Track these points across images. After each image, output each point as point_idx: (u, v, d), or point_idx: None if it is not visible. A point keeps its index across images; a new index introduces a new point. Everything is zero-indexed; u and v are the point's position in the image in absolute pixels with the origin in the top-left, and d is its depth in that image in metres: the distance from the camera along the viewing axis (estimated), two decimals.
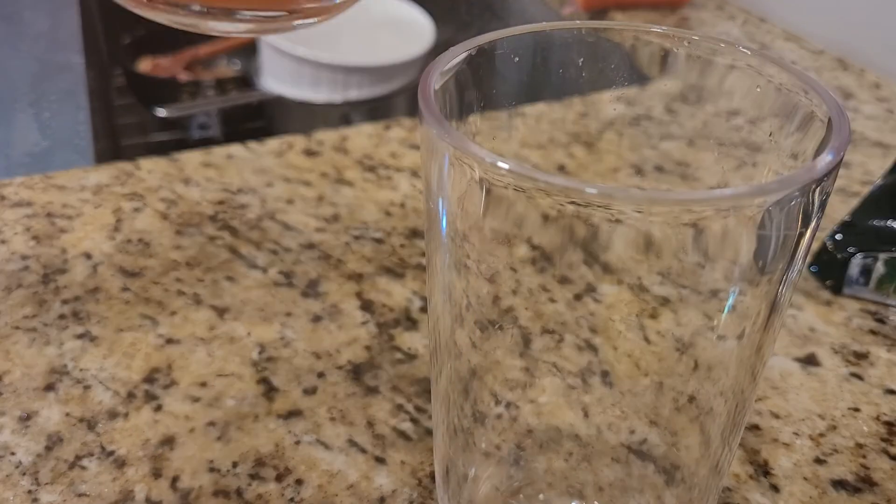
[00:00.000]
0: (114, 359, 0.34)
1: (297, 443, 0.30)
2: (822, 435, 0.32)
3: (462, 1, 0.93)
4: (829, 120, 0.18)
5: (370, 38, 0.78)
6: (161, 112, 0.72)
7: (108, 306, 0.36)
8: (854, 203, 0.42)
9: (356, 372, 0.33)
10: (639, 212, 0.16)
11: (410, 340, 0.35)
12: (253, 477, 0.29)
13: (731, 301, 0.19)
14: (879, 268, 0.38)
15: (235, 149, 0.48)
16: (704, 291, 0.20)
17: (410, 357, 0.34)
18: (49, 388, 0.32)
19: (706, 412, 0.23)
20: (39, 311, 0.36)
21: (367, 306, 0.37)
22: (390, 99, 0.74)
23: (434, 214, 0.19)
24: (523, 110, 0.24)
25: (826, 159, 0.17)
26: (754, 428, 0.32)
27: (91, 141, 0.53)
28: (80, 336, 0.35)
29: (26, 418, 0.31)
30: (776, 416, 0.32)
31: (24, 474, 0.29)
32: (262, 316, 0.36)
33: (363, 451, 0.30)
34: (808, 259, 0.38)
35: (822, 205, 0.17)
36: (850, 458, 0.31)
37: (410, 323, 0.36)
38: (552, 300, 0.24)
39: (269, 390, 0.33)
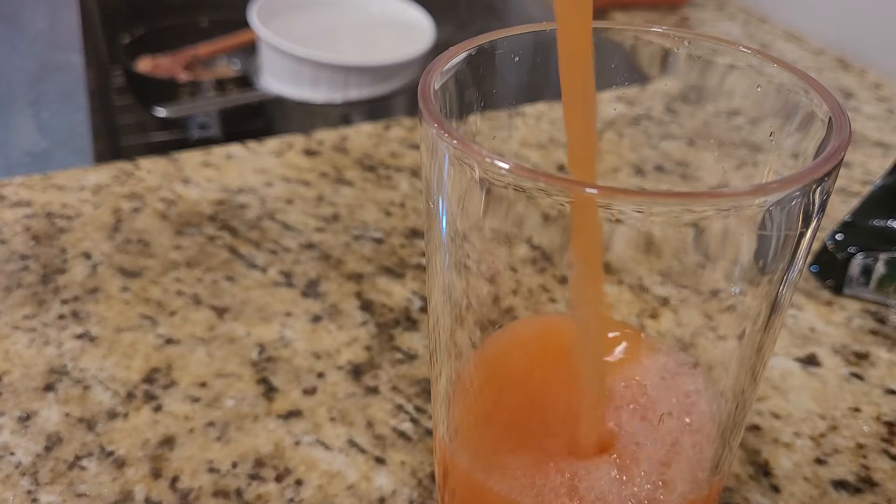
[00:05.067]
0: (113, 359, 0.34)
1: (297, 443, 0.30)
2: (822, 435, 0.32)
3: (462, 0, 0.93)
4: (830, 120, 0.18)
5: (370, 37, 0.78)
6: (161, 112, 0.72)
7: (107, 306, 0.36)
8: (854, 203, 0.42)
9: (356, 372, 0.33)
10: (639, 212, 0.16)
11: (410, 340, 0.35)
12: (253, 477, 0.29)
13: (731, 301, 0.19)
14: (880, 268, 0.38)
15: (235, 149, 0.48)
16: (705, 291, 0.20)
17: (410, 357, 0.34)
18: (48, 388, 0.32)
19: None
20: (39, 311, 0.36)
21: (367, 306, 0.37)
22: (390, 99, 0.74)
23: (434, 214, 0.19)
24: (523, 110, 0.24)
25: (826, 159, 0.17)
26: (755, 428, 0.32)
27: (90, 141, 0.53)
28: (79, 336, 0.35)
29: (26, 418, 0.31)
30: (777, 417, 0.32)
31: (23, 474, 0.29)
32: (262, 316, 0.36)
33: (363, 451, 0.30)
34: (809, 259, 0.38)
35: (823, 205, 0.17)
36: (850, 459, 0.31)
37: (410, 323, 0.36)
38: (552, 300, 0.24)
39: (269, 390, 0.32)
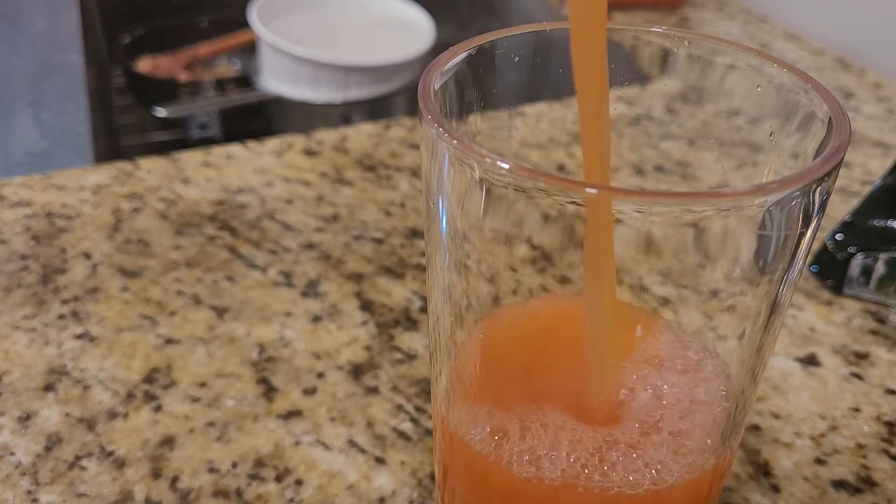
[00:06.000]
0: (113, 359, 0.34)
1: (297, 443, 0.30)
2: (822, 435, 0.32)
3: (462, 0, 0.93)
4: (830, 120, 0.18)
5: (370, 37, 0.78)
6: (161, 112, 0.72)
7: (107, 306, 0.36)
8: (854, 203, 0.42)
9: (356, 372, 0.33)
10: (639, 212, 0.16)
11: (410, 340, 0.35)
12: (253, 477, 0.29)
13: (731, 301, 0.19)
14: (880, 268, 0.38)
15: (235, 149, 0.48)
16: (705, 291, 0.20)
17: (410, 357, 0.34)
18: (48, 388, 0.32)
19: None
20: (39, 311, 0.36)
21: (367, 306, 0.37)
22: (390, 99, 0.74)
23: (434, 214, 0.19)
24: (523, 110, 0.24)
25: (826, 159, 0.17)
26: (755, 428, 0.32)
27: (90, 141, 0.53)
28: (79, 336, 0.35)
29: (26, 418, 0.31)
30: (776, 417, 0.32)
31: (23, 474, 0.29)
32: (262, 316, 0.36)
33: (363, 451, 0.30)
34: (809, 259, 0.38)
35: (823, 205, 0.17)
36: (850, 459, 0.31)
37: (410, 323, 0.36)
38: None
39: (269, 390, 0.32)
